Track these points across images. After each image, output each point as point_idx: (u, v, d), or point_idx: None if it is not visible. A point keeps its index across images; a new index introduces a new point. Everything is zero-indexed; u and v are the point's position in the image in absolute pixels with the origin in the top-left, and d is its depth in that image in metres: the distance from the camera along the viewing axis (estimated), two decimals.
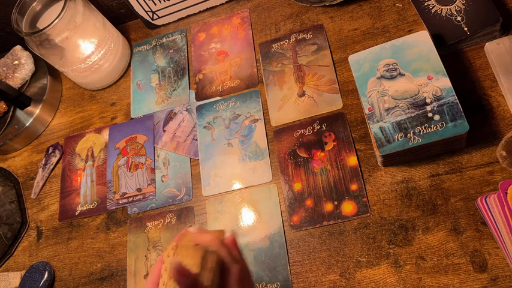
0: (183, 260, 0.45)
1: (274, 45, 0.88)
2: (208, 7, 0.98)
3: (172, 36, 0.99)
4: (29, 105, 0.97)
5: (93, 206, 0.85)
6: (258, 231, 0.73)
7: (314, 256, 0.69)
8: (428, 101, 0.64)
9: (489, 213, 0.61)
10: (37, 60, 1.01)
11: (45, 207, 0.89)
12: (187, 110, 0.89)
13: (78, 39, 0.87)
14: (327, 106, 0.79)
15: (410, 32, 0.79)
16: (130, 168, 0.86)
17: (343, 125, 0.76)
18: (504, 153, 0.62)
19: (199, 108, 0.88)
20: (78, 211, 0.86)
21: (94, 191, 0.87)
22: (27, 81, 1.00)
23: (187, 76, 0.93)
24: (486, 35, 0.73)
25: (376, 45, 0.72)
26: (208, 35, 0.96)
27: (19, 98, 0.95)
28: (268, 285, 0.69)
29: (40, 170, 0.93)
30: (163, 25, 1.01)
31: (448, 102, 0.63)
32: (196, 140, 0.85)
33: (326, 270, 0.67)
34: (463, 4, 0.75)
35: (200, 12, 0.99)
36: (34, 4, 0.89)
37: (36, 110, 0.97)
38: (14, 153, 0.98)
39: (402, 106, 0.65)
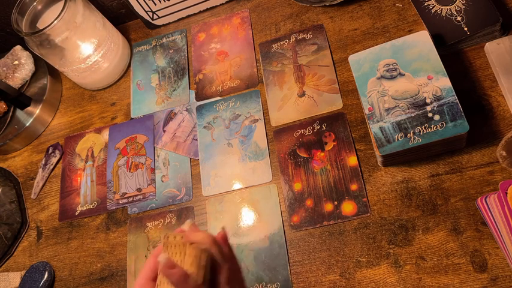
0: (174, 257, 0.46)
1: (274, 45, 0.88)
2: (208, 7, 0.98)
3: (172, 36, 0.99)
4: (29, 105, 0.97)
5: (93, 206, 0.85)
6: (258, 231, 0.73)
7: (314, 256, 0.69)
8: (428, 101, 0.64)
9: (489, 213, 0.61)
10: (37, 60, 1.01)
11: (45, 207, 0.89)
12: (187, 110, 0.89)
13: (78, 39, 0.87)
14: (327, 106, 0.79)
15: (410, 32, 0.79)
16: (130, 168, 0.86)
17: (343, 125, 0.76)
18: (504, 153, 0.62)
19: (199, 108, 0.88)
20: (78, 211, 0.86)
21: (94, 191, 0.87)
22: (27, 81, 1.00)
23: (187, 76, 0.93)
24: (486, 35, 0.73)
25: (376, 45, 0.72)
26: (208, 35, 0.96)
27: (19, 98, 0.95)
28: (268, 285, 0.69)
29: (40, 170, 0.93)
30: (163, 25, 1.01)
31: (448, 102, 0.63)
32: (196, 140, 0.85)
33: (326, 270, 0.67)
34: (463, 4, 0.75)
35: (200, 12, 0.99)
36: (34, 4, 0.89)
37: (36, 110, 0.97)
38: (14, 153, 0.98)
39: (402, 106, 0.65)
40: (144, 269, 0.49)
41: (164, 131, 0.88)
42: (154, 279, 0.48)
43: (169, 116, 0.89)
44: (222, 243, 0.50)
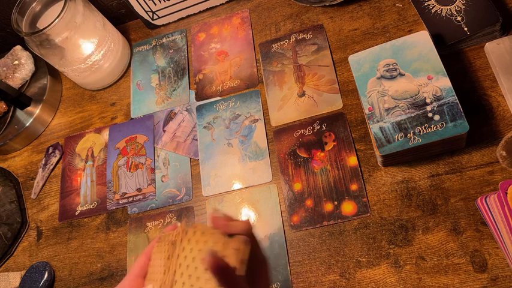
0: (216, 249, 0.40)
1: (274, 45, 0.88)
2: (208, 7, 0.98)
3: (172, 36, 0.99)
4: (29, 105, 0.97)
5: (93, 206, 0.85)
6: (258, 232, 0.73)
7: (314, 256, 0.69)
8: (428, 101, 0.64)
9: (489, 213, 0.61)
10: (37, 60, 1.01)
11: (45, 207, 0.89)
12: (187, 110, 0.89)
13: (78, 39, 0.87)
14: (327, 106, 0.79)
15: (410, 32, 0.79)
16: (130, 168, 0.86)
17: (343, 125, 0.76)
18: (504, 153, 0.62)
19: (199, 108, 0.88)
20: (78, 211, 0.86)
21: (94, 191, 0.87)
22: (27, 81, 1.00)
23: (187, 76, 0.93)
24: (486, 35, 0.73)
25: (376, 45, 0.72)
26: (208, 35, 0.96)
27: (19, 98, 0.95)
28: None
29: (40, 170, 0.93)
30: (163, 25, 1.01)
31: (448, 102, 0.63)
32: (196, 140, 0.85)
33: (326, 270, 0.67)
34: (463, 4, 0.75)
35: (200, 12, 0.99)
36: (34, 4, 0.89)
37: (36, 110, 0.97)
38: (14, 153, 0.98)
39: (402, 106, 0.65)
40: (134, 267, 0.49)
41: (164, 131, 0.88)
42: (144, 276, 0.49)
43: (169, 116, 0.89)
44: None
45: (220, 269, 0.38)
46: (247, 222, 0.43)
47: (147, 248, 0.50)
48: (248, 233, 0.42)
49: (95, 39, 0.90)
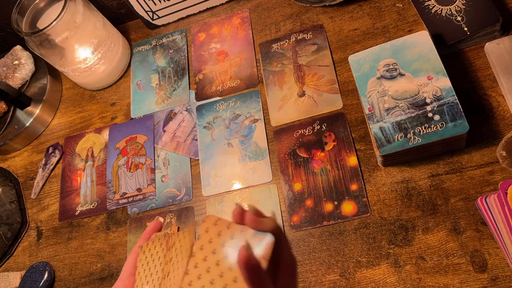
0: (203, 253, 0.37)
1: (274, 45, 0.88)
2: (208, 7, 0.98)
3: (172, 36, 0.99)
4: (29, 105, 0.97)
5: (93, 206, 0.85)
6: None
7: (314, 256, 0.69)
8: (428, 101, 0.64)
9: (489, 213, 0.61)
10: (37, 60, 1.01)
11: (45, 207, 0.89)
12: (187, 110, 0.89)
13: (78, 39, 0.87)
14: (327, 106, 0.79)
15: (410, 32, 0.79)
16: (130, 168, 0.86)
17: (343, 125, 0.76)
18: (504, 153, 0.62)
19: (199, 108, 0.88)
20: (78, 211, 0.86)
21: (94, 191, 0.87)
22: (27, 81, 1.00)
23: (187, 76, 0.93)
24: (486, 35, 0.73)
25: (376, 45, 0.72)
26: (208, 35, 0.96)
27: (19, 98, 0.95)
28: None
29: (40, 170, 0.93)
30: (163, 25, 1.01)
31: (448, 102, 0.63)
32: (196, 140, 0.85)
33: (326, 270, 0.67)
34: (463, 4, 0.75)
35: (200, 12, 0.99)
36: (34, 4, 0.89)
37: (36, 110, 0.97)
38: (14, 153, 0.98)
39: (402, 106, 0.65)
40: (126, 266, 0.49)
41: (164, 131, 0.88)
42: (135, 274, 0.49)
43: (169, 116, 0.89)
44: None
45: (250, 265, 0.35)
46: (275, 220, 0.39)
47: (137, 247, 0.51)
48: (275, 231, 0.38)
49: (95, 39, 0.90)
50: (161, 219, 0.49)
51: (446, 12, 0.76)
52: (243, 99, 0.85)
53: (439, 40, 0.74)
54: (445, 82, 0.65)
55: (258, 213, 0.39)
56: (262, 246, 0.36)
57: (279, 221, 0.73)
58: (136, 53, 1.00)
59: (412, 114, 0.64)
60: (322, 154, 0.75)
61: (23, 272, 0.83)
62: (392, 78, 0.68)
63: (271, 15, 0.92)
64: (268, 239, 0.37)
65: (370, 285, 0.64)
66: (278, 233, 0.38)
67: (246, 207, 0.40)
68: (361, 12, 0.85)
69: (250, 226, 0.38)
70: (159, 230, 0.53)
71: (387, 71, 0.68)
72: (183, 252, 0.41)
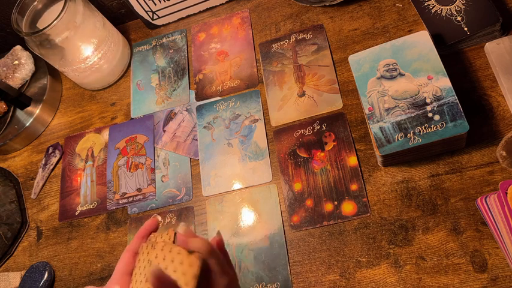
0: (158, 262, 0.42)
1: (274, 45, 0.88)
2: (208, 7, 0.98)
3: (172, 36, 0.99)
4: (29, 105, 0.97)
5: (93, 206, 0.85)
6: (258, 231, 0.73)
7: (314, 256, 0.69)
8: (428, 101, 0.64)
9: (489, 213, 0.61)
10: (37, 60, 1.01)
11: (45, 207, 0.89)
12: (187, 110, 0.89)
13: (78, 39, 0.87)
14: (327, 106, 0.79)
15: (410, 32, 0.79)
16: (130, 168, 0.86)
17: (343, 125, 0.76)
18: (504, 153, 0.62)
19: (199, 108, 0.88)
20: (78, 211, 0.86)
21: (94, 191, 0.87)
22: (27, 81, 1.00)
23: (187, 76, 0.93)
24: (486, 35, 0.73)
25: (376, 45, 0.72)
26: (208, 35, 0.96)
27: (19, 98, 0.95)
28: (268, 285, 0.69)
29: (40, 170, 0.93)
30: (163, 25, 1.01)
31: (448, 102, 0.63)
32: (196, 140, 0.85)
33: (326, 270, 0.67)
34: (463, 4, 0.75)
35: (200, 12, 0.99)
36: (34, 4, 0.89)
37: (36, 110, 0.97)
38: (14, 153, 0.98)
39: (402, 106, 0.65)
40: (119, 265, 0.48)
41: (164, 131, 0.88)
42: (130, 273, 0.48)
43: (169, 116, 0.89)
44: (219, 251, 0.46)
45: (162, 285, 0.39)
46: (206, 241, 0.45)
47: (130, 245, 0.50)
48: (207, 250, 0.43)
49: (95, 39, 0.90)
50: (159, 217, 0.49)
51: (446, 12, 0.76)
52: (243, 99, 0.85)
53: (439, 40, 0.74)
54: (445, 82, 0.65)
55: (190, 234, 0.45)
56: (187, 265, 0.41)
57: (279, 221, 0.73)
58: (136, 53, 1.00)
59: (412, 114, 0.64)
60: (322, 154, 0.75)
61: (23, 272, 0.83)
62: (392, 78, 0.68)
63: (271, 15, 0.92)
64: (193, 257, 0.41)
65: (370, 285, 0.64)
66: (210, 252, 0.43)
67: (182, 229, 0.46)
68: (361, 12, 0.85)
69: (182, 246, 0.43)
70: (156, 229, 0.53)
71: (387, 71, 0.68)
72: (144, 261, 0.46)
